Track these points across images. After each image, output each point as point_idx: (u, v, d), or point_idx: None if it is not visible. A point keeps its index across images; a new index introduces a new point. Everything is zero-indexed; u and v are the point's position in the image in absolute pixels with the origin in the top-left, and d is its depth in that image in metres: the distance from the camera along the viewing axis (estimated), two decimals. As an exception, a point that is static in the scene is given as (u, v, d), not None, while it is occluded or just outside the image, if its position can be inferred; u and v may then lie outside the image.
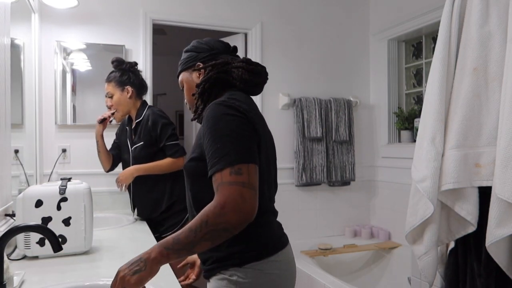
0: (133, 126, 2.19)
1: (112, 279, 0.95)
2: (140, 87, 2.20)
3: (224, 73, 1.12)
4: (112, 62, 2.17)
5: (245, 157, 0.95)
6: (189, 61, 1.20)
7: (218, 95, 1.12)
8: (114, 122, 2.29)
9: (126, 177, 2.09)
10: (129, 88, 2.14)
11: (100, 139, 2.21)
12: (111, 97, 2.14)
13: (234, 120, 0.99)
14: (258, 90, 1.19)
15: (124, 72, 2.15)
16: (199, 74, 1.18)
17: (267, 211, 1.11)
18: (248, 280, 1.04)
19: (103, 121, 2.19)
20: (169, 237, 0.94)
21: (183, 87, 1.23)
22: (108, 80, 2.15)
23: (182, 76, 1.22)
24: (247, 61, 1.14)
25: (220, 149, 0.95)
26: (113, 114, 2.19)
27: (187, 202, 1.17)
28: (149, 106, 2.19)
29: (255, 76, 1.14)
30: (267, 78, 1.19)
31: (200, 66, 1.16)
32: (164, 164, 2.10)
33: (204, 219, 0.90)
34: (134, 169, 2.10)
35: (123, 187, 2.11)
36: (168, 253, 0.92)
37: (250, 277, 1.04)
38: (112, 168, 2.31)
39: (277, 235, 1.15)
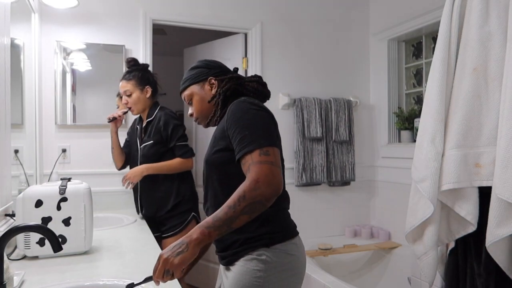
0: (143, 125, 2.22)
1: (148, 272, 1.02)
2: (155, 88, 2.24)
3: (239, 85, 1.30)
4: (129, 62, 2.19)
5: (271, 141, 1.10)
6: (201, 75, 1.33)
7: (233, 101, 1.25)
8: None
9: (136, 175, 2.10)
10: (149, 88, 2.19)
11: (114, 135, 2.25)
12: (130, 95, 2.16)
13: (258, 112, 1.16)
14: (264, 101, 1.35)
15: (144, 73, 2.19)
16: (211, 87, 1.32)
17: (283, 196, 1.23)
18: (275, 259, 1.15)
19: (114, 120, 2.22)
20: (208, 218, 1.02)
21: (190, 99, 1.35)
22: (128, 78, 2.16)
23: (192, 89, 1.34)
24: (259, 76, 1.35)
25: (249, 135, 1.09)
26: (125, 113, 2.23)
27: (210, 193, 1.25)
28: (161, 107, 2.22)
29: (265, 88, 1.34)
30: (270, 93, 1.37)
31: (217, 79, 1.31)
32: (173, 164, 2.13)
33: (241, 195, 1.01)
34: (144, 168, 2.11)
35: (130, 185, 2.12)
36: (210, 231, 0.99)
37: (277, 257, 1.16)
38: (124, 166, 2.33)
39: (293, 221, 1.29)
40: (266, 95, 1.34)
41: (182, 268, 0.97)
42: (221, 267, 1.30)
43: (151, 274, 1.00)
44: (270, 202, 1.03)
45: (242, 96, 1.27)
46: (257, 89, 1.31)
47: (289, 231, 1.23)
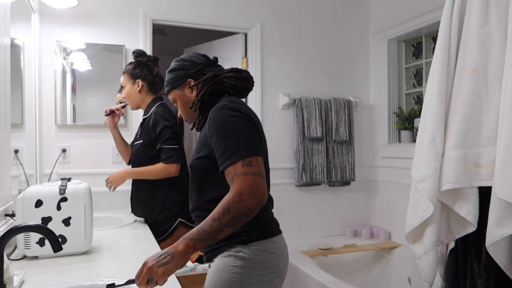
0: (140, 122, 2.16)
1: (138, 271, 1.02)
2: (152, 82, 2.11)
3: (216, 84, 1.25)
4: (133, 53, 2.14)
5: (253, 151, 1.09)
6: (178, 80, 1.31)
7: (215, 103, 1.23)
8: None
9: (117, 179, 2.04)
10: (140, 82, 2.08)
11: (114, 130, 2.19)
12: (124, 88, 2.12)
13: (238, 120, 1.13)
14: (247, 94, 1.32)
15: (139, 65, 2.09)
16: (192, 89, 1.30)
17: None
18: (252, 256, 1.16)
19: (111, 114, 2.16)
20: (193, 230, 1.03)
21: (175, 102, 1.34)
22: (123, 71, 2.13)
23: (174, 94, 1.33)
24: (236, 70, 1.27)
25: (231, 146, 1.09)
26: (123, 107, 2.19)
27: (193, 197, 1.26)
28: (159, 104, 2.09)
29: (245, 82, 1.28)
30: (253, 83, 1.32)
31: (192, 84, 1.29)
32: (154, 170, 1.98)
33: (225, 208, 1.01)
34: (126, 172, 2.05)
35: (112, 188, 2.07)
36: (195, 243, 1.01)
37: (254, 254, 1.16)
38: None
39: (275, 221, 1.30)
40: (248, 88, 1.29)
41: (166, 278, 1.00)
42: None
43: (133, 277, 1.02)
44: (255, 213, 1.04)
45: (223, 94, 1.26)
46: (235, 85, 1.25)
47: (269, 230, 1.23)
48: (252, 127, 1.15)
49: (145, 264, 1.00)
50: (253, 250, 1.16)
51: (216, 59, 1.36)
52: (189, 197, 1.30)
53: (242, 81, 1.27)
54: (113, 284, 1.03)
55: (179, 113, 1.37)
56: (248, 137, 1.11)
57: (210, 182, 1.20)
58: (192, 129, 1.34)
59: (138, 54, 2.12)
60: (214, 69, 1.31)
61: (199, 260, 1.38)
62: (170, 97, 1.35)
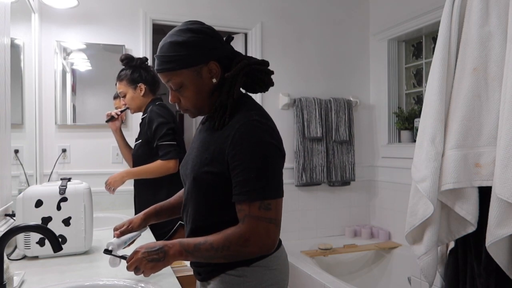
0: (140, 123, 2.15)
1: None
2: (152, 83, 2.10)
3: (245, 76, 1.07)
4: (122, 60, 2.07)
5: (275, 192, 0.99)
6: (197, 58, 1.01)
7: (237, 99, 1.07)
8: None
9: (116, 180, 2.02)
10: (142, 86, 2.06)
11: (116, 134, 2.19)
12: (124, 96, 2.07)
13: (269, 150, 0.99)
14: (261, 92, 1.16)
15: (135, 69, 2.06)
16: (211, 75, 1.03)
17: None
18: (255, 277, 1.06)
19: (111, 120, 2.16)
20: (191, 241, 1.00)
21: (179, 87, 1.04)
22: (120, 78, 2.07)
23: (184, 76, 1.01)
24: (264, 63, 1.10)
25: (253, 180, 0.96)
26: (122, 111, 2.16)
27: (191, 207, 1.10)
28: (156, 103, 2.07)
29: (270, 79, 1.12)
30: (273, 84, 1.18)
31: (216, 69, 1.03)
32: (152, 167, 1.97)
33: (226, 244, 0.97)
34: (125, 173, 2.04)
35: (112, 190, 2.05)
36: (187, 255, 1.00)
37: (256, 274, 1.06)
38: None
39: None
40: (270, 85, 1.13)
41: (153, 273, 1.00)
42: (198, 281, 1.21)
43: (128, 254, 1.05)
44: (254, 257, 1.01)
45: (246, 86, 1.10)
46: (263, 80, 1.09)
47: None
48: (281, 160, 1.02)
49: (136, 252, 1.00)
50: (256, 271, 1.05)
51: (231, 38, 1.11)
52: (184, 203, 1.14)
53: (268, 76, 1.10)
54: (110, 251, 1.08)
55: (174, 99, 1.07)
56: (274, 174, 0.99)
57: (220, 204, 1.04)
58: (204, 122, 1.13)
59: (129, 59, 2.07)
60: (238, 53, 1.09)
61: None
62: (175, 78, 1.02)
